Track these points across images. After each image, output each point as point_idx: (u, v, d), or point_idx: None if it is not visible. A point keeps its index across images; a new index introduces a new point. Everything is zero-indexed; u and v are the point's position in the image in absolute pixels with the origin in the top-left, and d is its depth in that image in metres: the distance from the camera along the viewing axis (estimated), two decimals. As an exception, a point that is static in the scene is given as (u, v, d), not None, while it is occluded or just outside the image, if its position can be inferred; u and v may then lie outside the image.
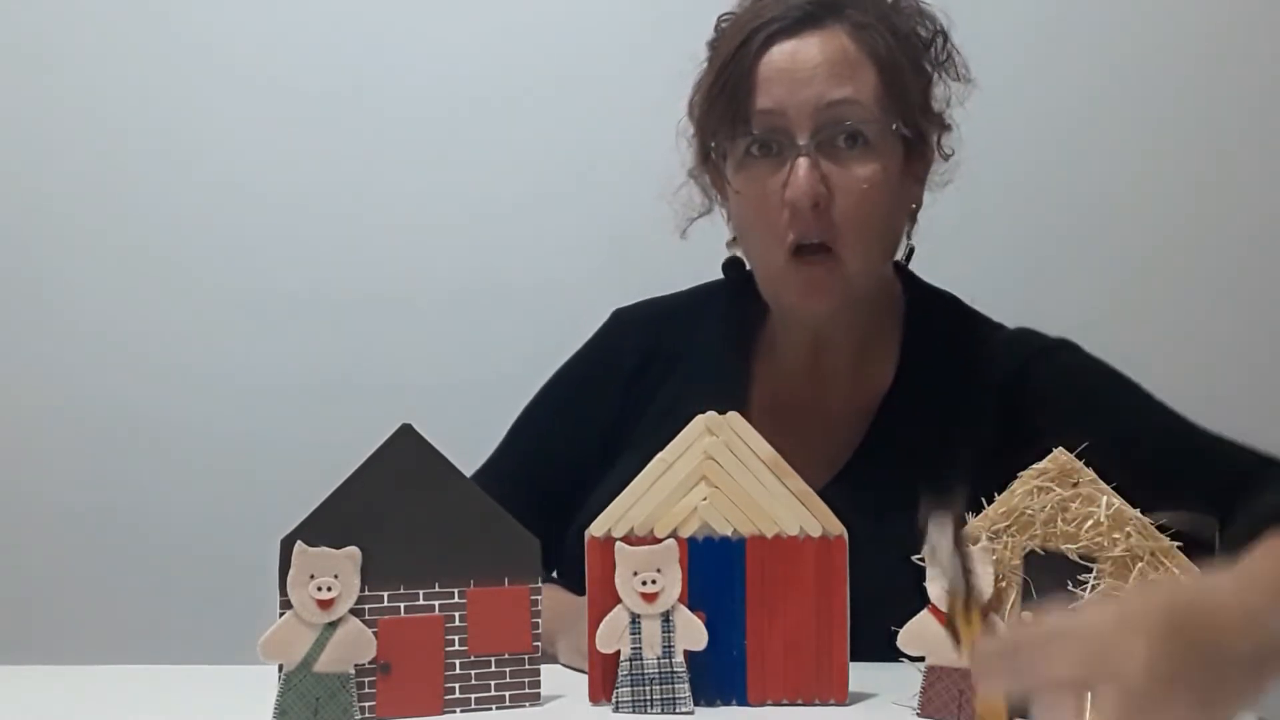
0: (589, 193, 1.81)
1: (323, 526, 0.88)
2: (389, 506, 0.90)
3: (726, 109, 1.11)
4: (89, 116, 1.86)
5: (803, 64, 1.09)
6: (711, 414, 0.94)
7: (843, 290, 1.12)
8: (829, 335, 1.18)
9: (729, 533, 0.93)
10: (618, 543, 0.92)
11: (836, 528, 0.93)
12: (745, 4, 1.17)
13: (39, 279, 1.87)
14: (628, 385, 1.25)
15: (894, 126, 1.11)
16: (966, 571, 0.71)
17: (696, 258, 1.28)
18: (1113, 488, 0.88)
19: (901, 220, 1.18)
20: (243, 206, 1.86)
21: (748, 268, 1.22)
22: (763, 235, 1.13)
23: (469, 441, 1.30)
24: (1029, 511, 0.88)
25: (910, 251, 1.21)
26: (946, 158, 1.20)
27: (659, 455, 0.94)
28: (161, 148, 1.86)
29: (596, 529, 0.93)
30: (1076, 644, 0.69)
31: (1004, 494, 0.89)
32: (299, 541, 0.87)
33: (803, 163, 1.08)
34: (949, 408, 1.15)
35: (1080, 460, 0.88)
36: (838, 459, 1.15)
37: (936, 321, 1.21)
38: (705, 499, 0.93)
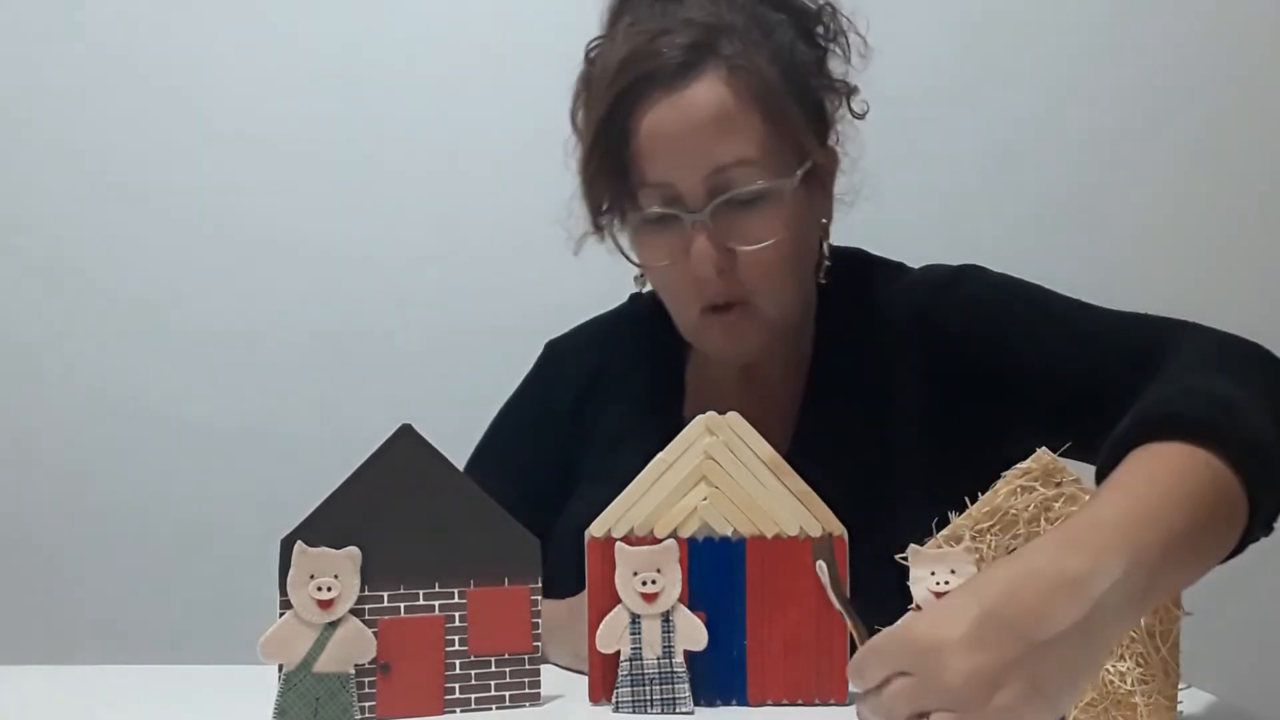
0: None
1: (323, 526, 0.88)
2: (389, 506, 0.90)
3: (609, 184, 1.06)
4: (69, 150, 1.87)
5: (684, 127, 1.02)
6: (711, 414, 0.94)
7: (762, 334, 1.10)
8: (752, 365, 1.16)
9: (729, 533, 0.93)
10: (618, 543, 0.92)
11: (836, 528, 0.93)
12: (614, 32, 1.09)
13: (43, 277, 1.88)
14: (573, 416, 1.23)
15: (794, 174, 1.06)
16: (847, 607, 0.79)
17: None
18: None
19: (813, 244, 1.14)
20: (243, 208, 1.87)
21: (645, 294, 1.20)
22: (673, 298, 1.11)
23: (469, 442, 1.30)
24: (1012, 511, 0.88)
25: (828, 270, 1.15)
26: (861, 116, 1.14)
27: (659, 455, 0.93)
28: (160, 150, 1.87)
29: (596, 529, 0.93)
30: (897, 661, 0.70)
31: (987, 493, 0.89)
32: (299, 541, 0.87)
33: (701, 237, 1.03)
34: (869, 366, 1.13)
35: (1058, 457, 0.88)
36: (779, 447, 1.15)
37: (844, 281, 1.16)
38: (705, 499, 0.93)
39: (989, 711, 0.66)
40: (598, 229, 1.12)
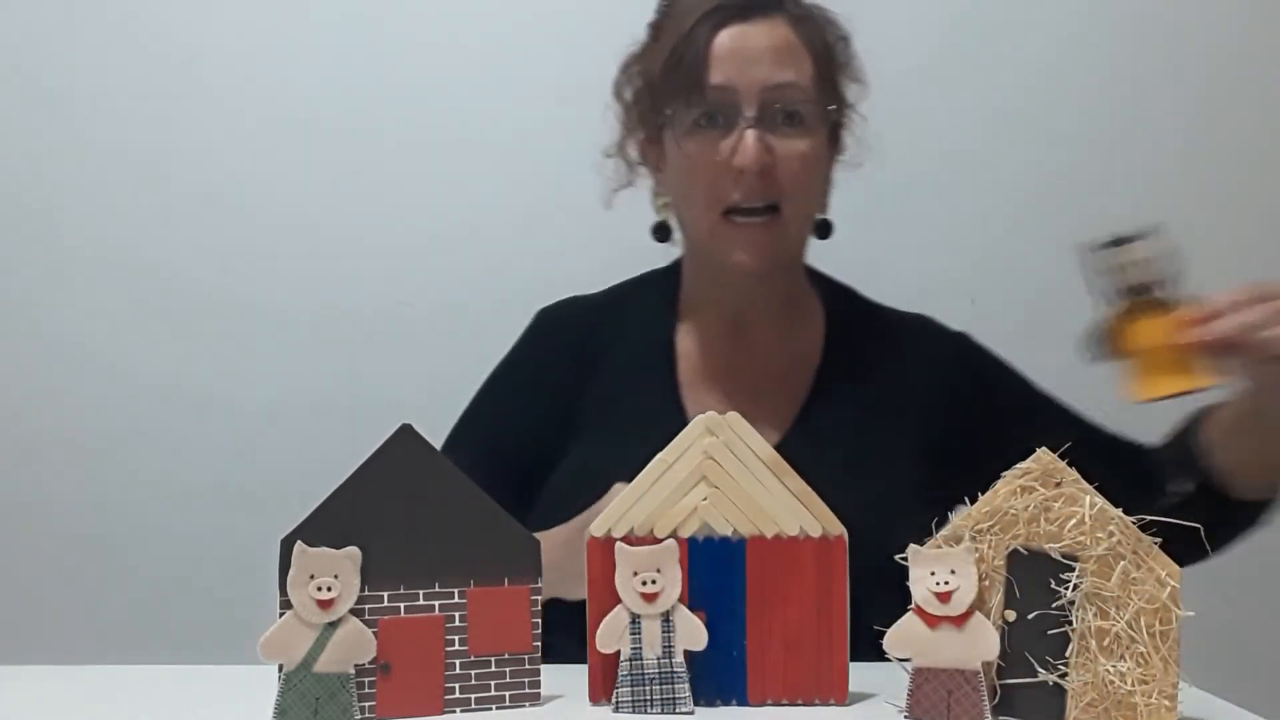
0: (586, 202, 1.81)
1: (323, 526, 0.88)
2: (389, 506, 0.90)
3: (681, 82, 1.21)
4: (82, 132, 1.87)
5: (751, 47, 1.20)
6: (711, 414, 0.94)
7: (780, 248, 1.23)
8: (747, 308, 1.29)
9: (729, 533, 0.93)
10: (618, 543, 0.92)
11: (836, 528, 0.93)
12: None
13: (47, 293, 1.88)
14: (566, 379, 1.31)
15: (829, 108, 1.23)
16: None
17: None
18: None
19: (822, 194, 1.28)
20: (246, 221, 1.87)
21: (674, 230, 1.31)
22: (704, 196, 1.22)
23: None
24: (1012, 511, 0.88)
25: (828, 227, 1.28)
26: (842, 151, 1.30)
27: (659, 455, 0.94)
28: (157, 165, 1.87)
29: (596, 529, 0.93)
30: None
31: (987, 494, 0.90)
32: (299, 541, 0.87)
33: (750, 133, 1.18)
34: (882, 387, 1.27)
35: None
36: (782, 416, 1.25)
37: (847, 298, 1.35)
38: (705, 499, 0.93)
39: None
40: (656, 128, 1.26)
